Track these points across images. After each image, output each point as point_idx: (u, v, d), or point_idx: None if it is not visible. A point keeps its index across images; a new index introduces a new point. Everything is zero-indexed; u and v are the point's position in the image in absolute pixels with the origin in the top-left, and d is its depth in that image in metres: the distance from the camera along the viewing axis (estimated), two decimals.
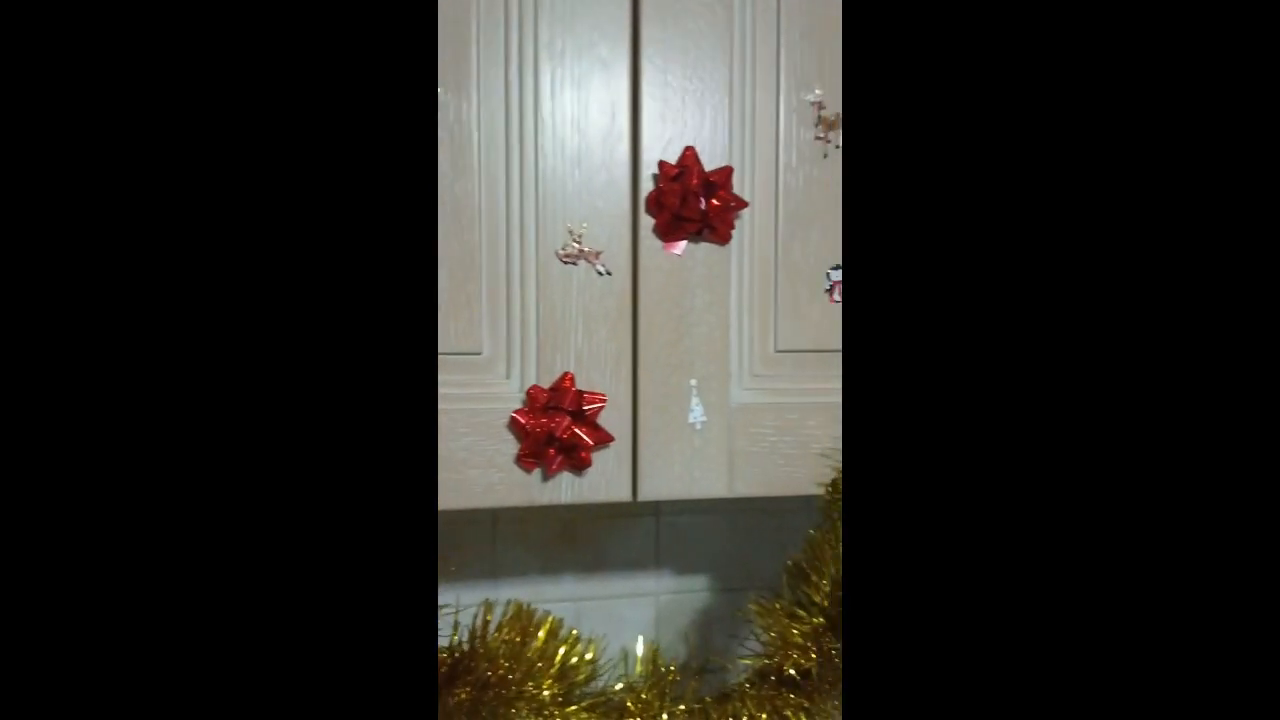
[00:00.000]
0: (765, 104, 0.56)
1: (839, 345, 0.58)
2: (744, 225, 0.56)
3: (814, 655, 0.50)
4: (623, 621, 0.83)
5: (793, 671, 0.49)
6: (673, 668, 0.56)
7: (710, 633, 0.84)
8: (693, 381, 0.55)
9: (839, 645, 0.50)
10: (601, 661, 0.57)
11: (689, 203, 0.52)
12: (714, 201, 0.53)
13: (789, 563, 0.57)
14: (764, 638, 0.52)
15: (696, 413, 0.55)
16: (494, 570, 0.79)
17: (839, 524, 0.53)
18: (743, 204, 0.54)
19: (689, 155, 0.53)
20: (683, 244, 0.54)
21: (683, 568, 0.85)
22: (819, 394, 0.57)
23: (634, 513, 0.83)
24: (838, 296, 0.58)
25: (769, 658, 0.51)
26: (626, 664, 0.59)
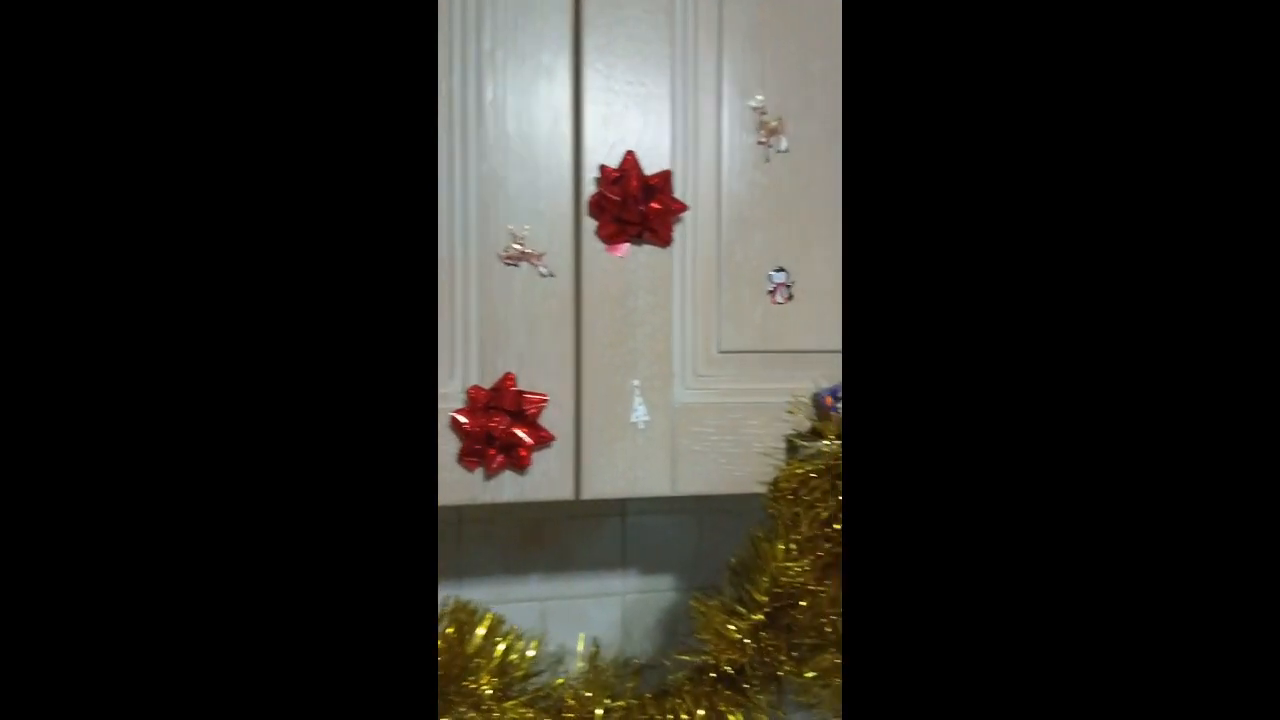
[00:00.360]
0: (708, 109, 0.57)
1: (780, 346, 0.58)
2: (686, 228, 0.57)
3: (750, 651, 0.50)
4: (588, 621, 0.84)
5: (729, 668, 0.50)
6: (610, 664, 0.57)
7: (677, 631, 0.85)
8: (635, 382, 0.56)
9: (776, 641, 0.51)
10: (551, 658, 0.58)
11: (628, 206, 0.53)
12: (654, 205, 0.54)
13: (732, 560, 0.57)
14: (702, 635, 0.53)
15: (639, 412, 0.56)
16: (459, 571, 0.80)
17: (779, 523, 0.53)
18: (682, 207, 0.55)
19: (629, 160, 0.54)
20: (626, 246, 0.55)
21: (649, 568, 0.86)
22: (761, 394, 0.58)
23: (600, 513, 0.84)
24: (779, 298, 0.58)
25: (706, 654, 0.52)
26: (566, 661, 0.60)
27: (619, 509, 0.85)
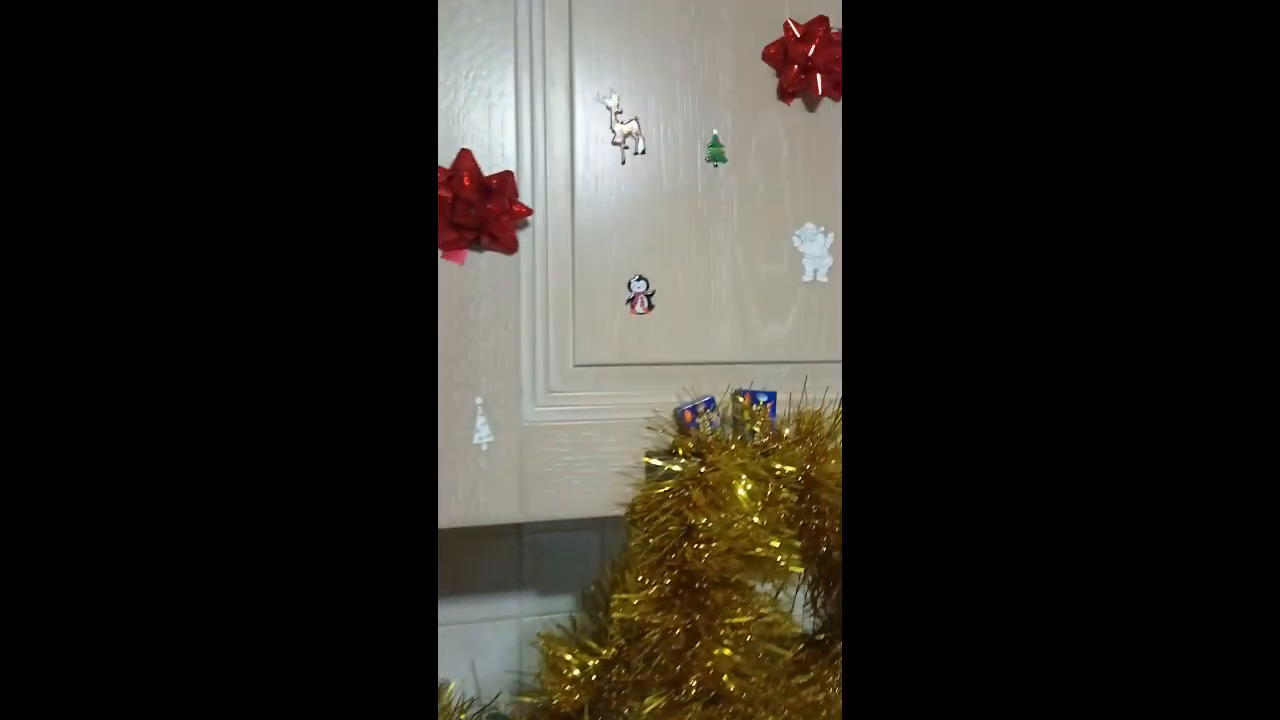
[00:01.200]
0: (559, 106, 0.53)
1: (640, 359, 0.55)
2: (535, 233, 0.53)
3: (596, 689, 0.46)
4: (482, 648, 0.79)
5: (568, 709, 0.46)
6: (451, 704, 0.53)
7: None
8: (478, 399, 0.52)
9: (626, 679, 0.47)
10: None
11: (461, 208, 0.49)
12: (490, 207, 0.50)
13: (591, 588, 0.54)
14: (544, 677, 0.49)
15: (483, 432, 0.52)
16: None
17: (631, 547, 0.50)
18: (525, 210, 0.51)
19: (463, 158, 0.50)
20: (466, 253, 0.51)
21: (547, 588, 0.82)
22: (619, 410, 0.54)
23: (495, 534, 0.80)
24: (639, 309, 0.55)
25: (545, 694, 0.48)
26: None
27: (514, 529, 0.81)
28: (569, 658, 0.47)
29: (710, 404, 0.54)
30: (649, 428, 0.54)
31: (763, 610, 0.45)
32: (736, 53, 0.56)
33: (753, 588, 0.45)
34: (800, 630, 0.48)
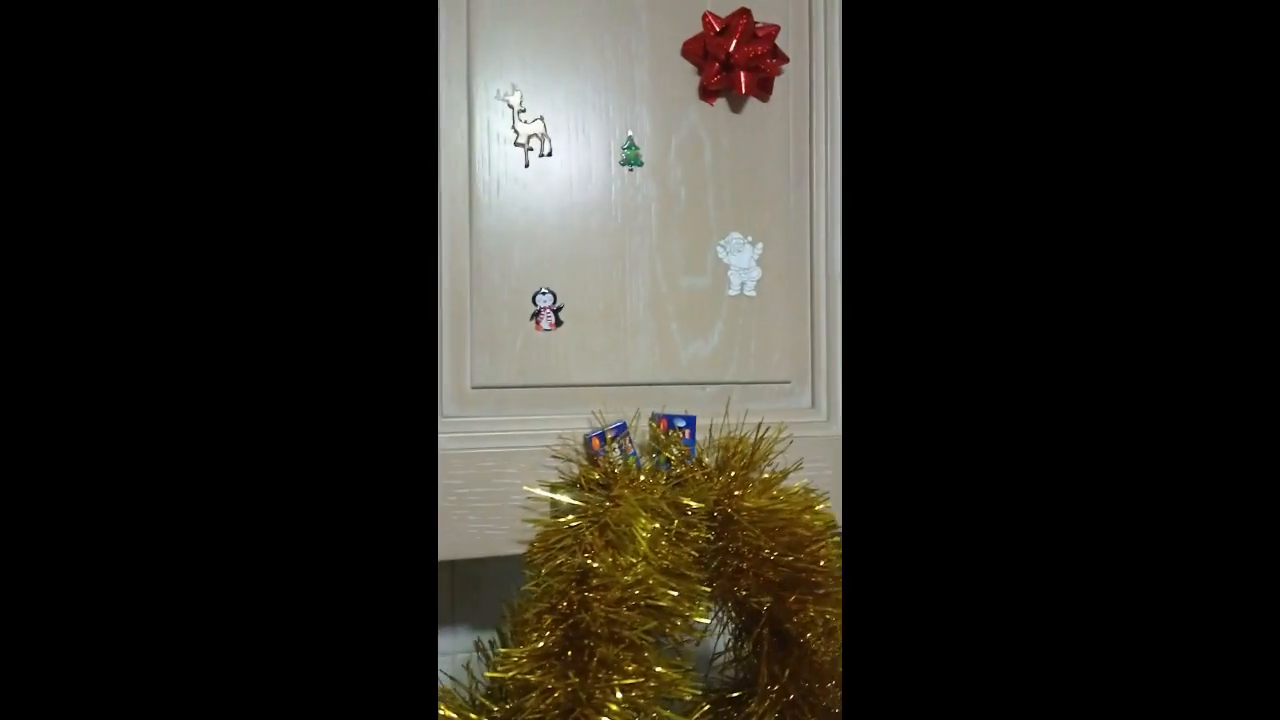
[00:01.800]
0: (456, 102, 0.49)
1: (547, 380, 0.50)
2: None
3: None
4: None
5: None
6: None
7: None
8: None
9: None
10: None
11: None
12: None
13: (491, 640, 0.48)
14: None
15: None
16: None
17: (524, 592, 0.44)
18: None
19: None
20: None
21: (482, 623, 0.77)
22: (521, 437, 0.49)
23: None
24: (545, 325, 0.50)
25: None
26: None
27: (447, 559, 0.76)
28: (454, 716, 0.42)
29: (621, 430, 0.49)
30: (554, 456, 0.49)
31: (658, 668, 0.39)
32: (653, 47, 0.52)
33: (649, 642, 0.40)
34: (702, 690, 0.43)
